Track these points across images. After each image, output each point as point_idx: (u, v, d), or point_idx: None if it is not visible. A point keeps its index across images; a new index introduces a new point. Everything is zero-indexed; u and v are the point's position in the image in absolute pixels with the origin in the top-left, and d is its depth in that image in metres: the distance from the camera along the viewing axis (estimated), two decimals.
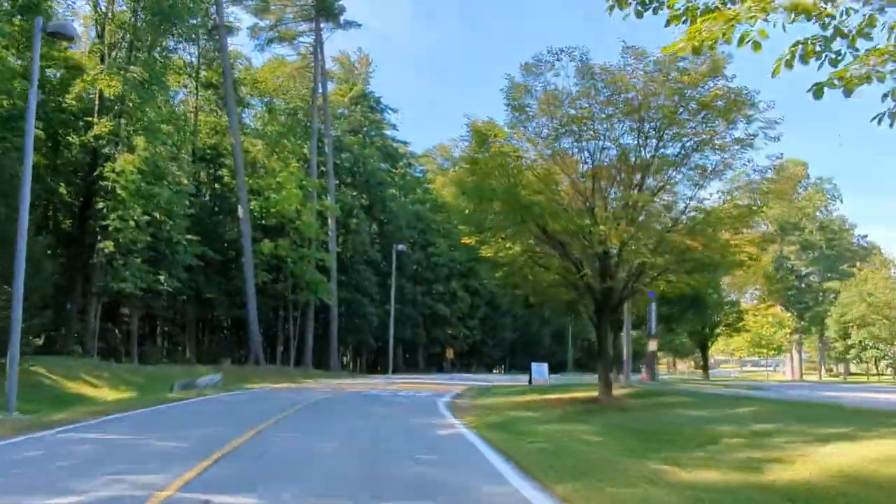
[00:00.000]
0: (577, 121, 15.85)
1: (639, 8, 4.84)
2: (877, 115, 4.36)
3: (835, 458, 7.70)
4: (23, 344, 18.80)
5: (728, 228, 16.24)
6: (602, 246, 15.64)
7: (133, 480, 6.62)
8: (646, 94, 15.27)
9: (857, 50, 4.28)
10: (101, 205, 30.48)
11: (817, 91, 4.06)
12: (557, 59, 15.64)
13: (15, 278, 14.23)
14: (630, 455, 8.71)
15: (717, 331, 52.35)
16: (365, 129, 65.55)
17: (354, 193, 59.74)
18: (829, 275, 67.33)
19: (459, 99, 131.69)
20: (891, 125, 4.29)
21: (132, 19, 33.66)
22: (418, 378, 40.14)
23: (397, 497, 6.22)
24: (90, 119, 31.77)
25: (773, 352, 70.99)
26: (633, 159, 16.25)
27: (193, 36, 40.59)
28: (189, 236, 35.31)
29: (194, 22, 37.44)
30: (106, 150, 31.55)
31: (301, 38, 53.74)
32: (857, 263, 62.79)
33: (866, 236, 75.34)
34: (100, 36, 34.10)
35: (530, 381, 28.53)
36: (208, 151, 47.37)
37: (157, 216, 32.01)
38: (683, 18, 4.55)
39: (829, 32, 4.21)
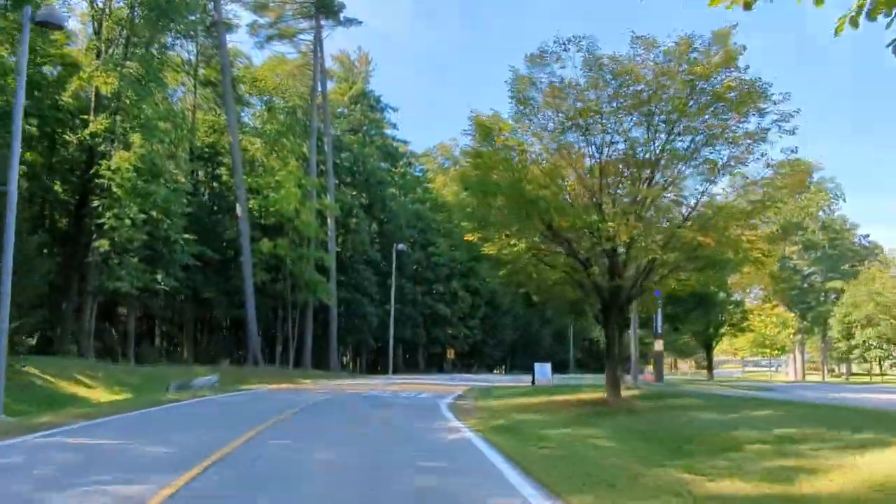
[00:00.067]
0: (583, 114, 15.33)
1: None
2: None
3: (874, 466, 7.11)
4: (15, 343, 18.36)
5: (741, 224, 15.72)
6: (610, 243, 15.11)
7: (114, 492, 6.16)
8: (656, 85, 14.75)
9: None
10: (96, 203, 30.06)
11: None
12: (564, 50, 15.11)
13: (2, 277, 13.72)
14: (647, 462, 8.20)
15: (722, 331, 51.89)
16: (365, 128, 65.20)
17: (354, 193, 59.34)
18: (830, 275, 66.77)
19: (459, 98, 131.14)
20: None
21: (129, 15, 33.25)
22: (419, 378, 39.66)
23: None
24: (86, 117, 31.39)
25: (776, 352, 70.50)
26: (642, 153, 15.76)
27: (192, 33, 39.98)
28: (186, 235, 34.85)
29: (192, 18, 36.90)
30: (102, 147, 31.16)
31: (301, 36, 53.37)
32: (865, 262, 62.22)
33: (868, 236, 74.82)
34: (97, 32, 33.61)
35: (533, 382, 28.04)
36: (206, 150, 46.96)
37: (154, 214, 31.60)
38: None
39: None
